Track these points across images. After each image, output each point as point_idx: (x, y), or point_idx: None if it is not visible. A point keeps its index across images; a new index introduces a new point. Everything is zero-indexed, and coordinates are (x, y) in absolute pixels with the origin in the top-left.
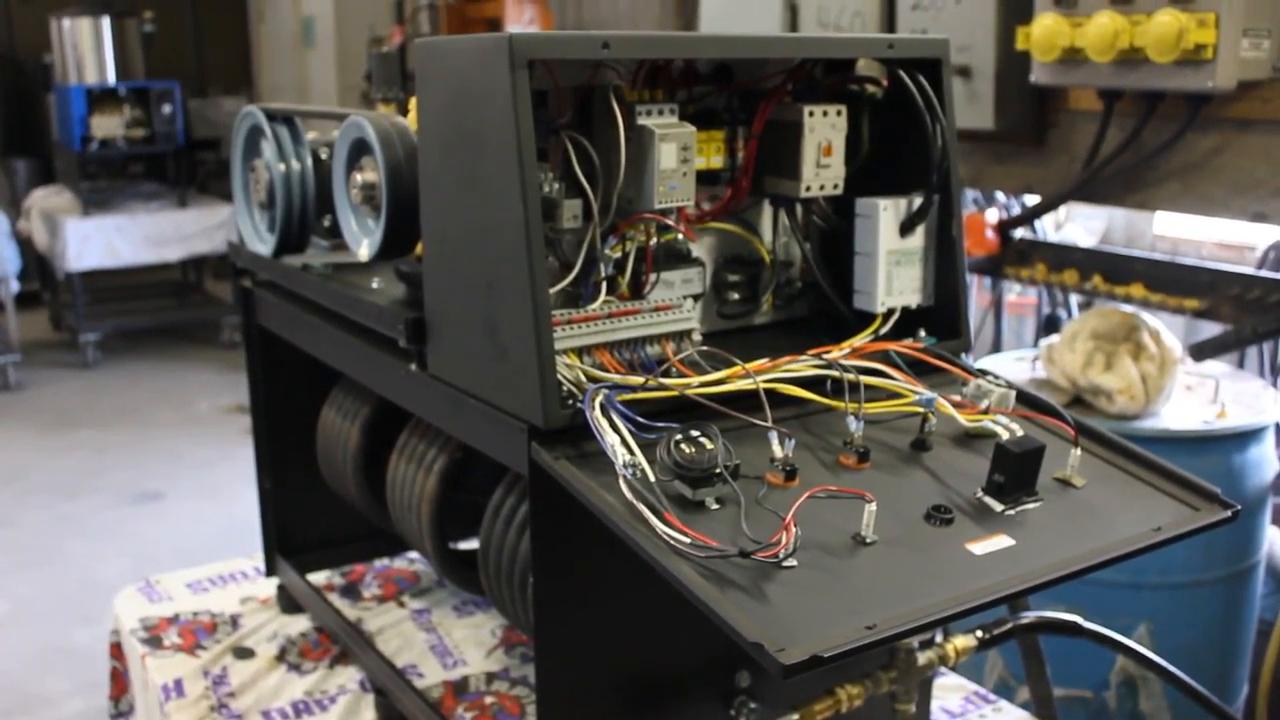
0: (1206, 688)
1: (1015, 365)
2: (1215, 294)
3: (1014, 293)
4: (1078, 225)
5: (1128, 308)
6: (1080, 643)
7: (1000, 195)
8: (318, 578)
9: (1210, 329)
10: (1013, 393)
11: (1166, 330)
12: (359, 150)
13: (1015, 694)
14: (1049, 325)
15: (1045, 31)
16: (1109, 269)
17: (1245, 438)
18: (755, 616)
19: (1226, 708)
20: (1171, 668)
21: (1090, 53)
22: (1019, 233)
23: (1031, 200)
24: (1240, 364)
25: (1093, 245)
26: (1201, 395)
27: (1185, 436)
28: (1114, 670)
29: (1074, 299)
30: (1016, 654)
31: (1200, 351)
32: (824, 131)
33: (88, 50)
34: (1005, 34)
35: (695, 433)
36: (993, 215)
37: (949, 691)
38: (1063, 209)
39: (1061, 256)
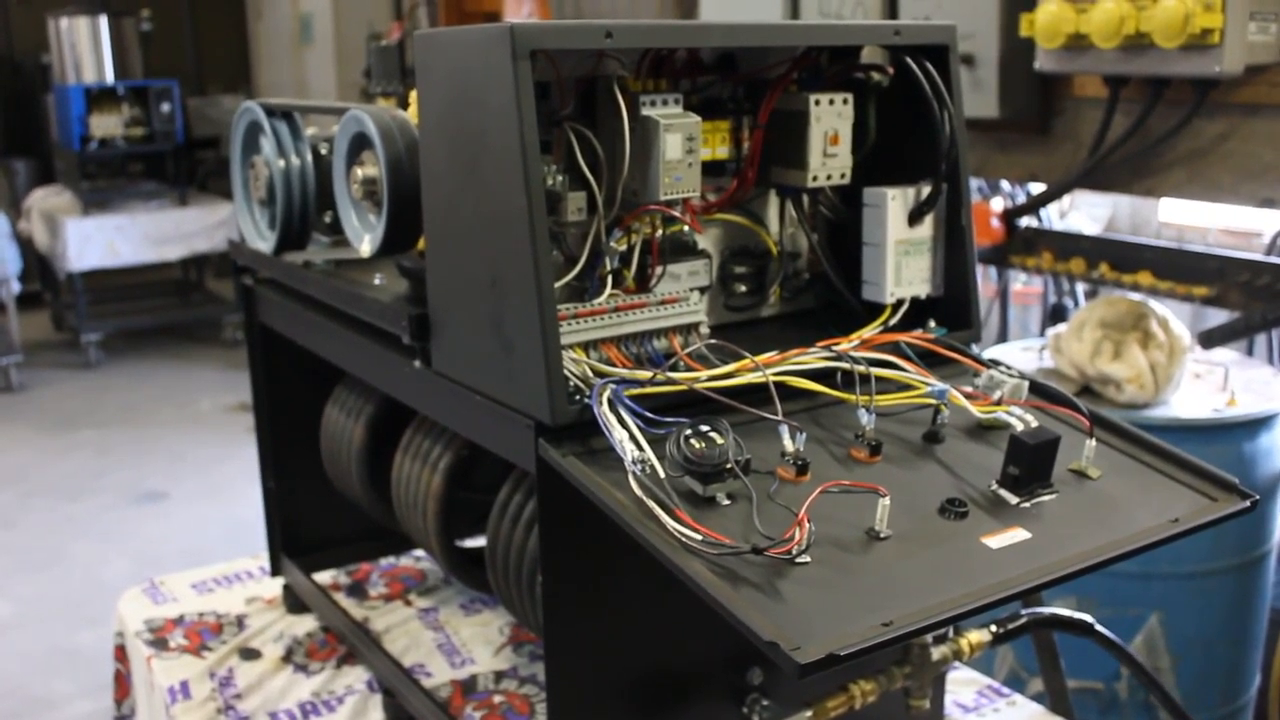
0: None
1: (1022, 355)
2: (1224, 281)
3: (1019, 282)
4: (1082, 213)
5: (1135, 296)
6: None
7: (1005, 184)
8: (323, 577)
9: (1219, 316)
10: (1026, 383)
11: (1175, 318)
12: (359, 145)
13: (1026, 687)
14: (1055, 314)
15: (1050, 18)
16: (1116, 257)
17: (1256, 425)
18: (770, 615)
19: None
20: (1164, 687)
21: (1095, 39)
22: (1024, 221)
23: (1037, 188)
24: (1249, 351)
25: (1098, 233)
26: (1211, 383)
27: (1195, 425)
28: None
29: (1080, 287)
30: (1027, 646)
31: (1209, 339)
32: (830, 120)
33: (86, 50)
34: (1009, 21)
35: (705, 427)
36: (998, 204)
37: (962, 686)
38: (1067, 197)
39: (1068, 245)
